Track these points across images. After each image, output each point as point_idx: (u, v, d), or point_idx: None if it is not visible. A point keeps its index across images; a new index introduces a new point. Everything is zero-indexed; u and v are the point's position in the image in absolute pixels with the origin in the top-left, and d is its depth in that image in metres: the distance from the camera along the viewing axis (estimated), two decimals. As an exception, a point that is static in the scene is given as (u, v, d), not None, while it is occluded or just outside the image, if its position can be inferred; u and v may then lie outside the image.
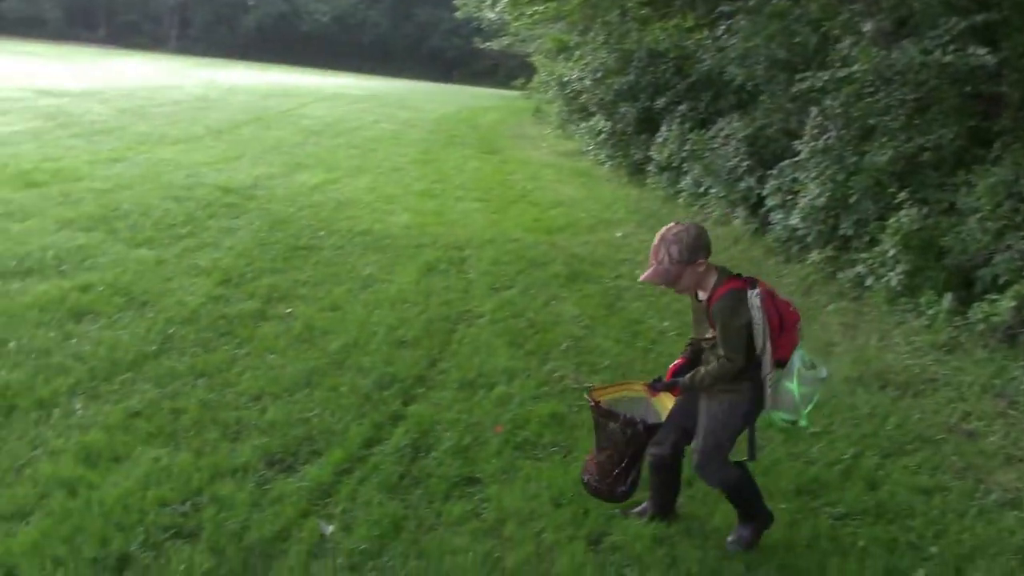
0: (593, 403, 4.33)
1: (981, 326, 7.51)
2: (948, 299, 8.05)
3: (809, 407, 4.17)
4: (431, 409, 5.77)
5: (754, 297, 3.97)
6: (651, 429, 4.25)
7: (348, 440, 5.21)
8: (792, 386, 4.13)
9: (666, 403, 4.39)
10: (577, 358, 7.10)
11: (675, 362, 4.45)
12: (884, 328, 8.21)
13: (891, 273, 8.64)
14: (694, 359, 4.36)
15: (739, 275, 4.11)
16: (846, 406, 6.39)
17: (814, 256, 9.98)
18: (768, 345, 3.99)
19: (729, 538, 4.40)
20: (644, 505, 4.68)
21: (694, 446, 4.28)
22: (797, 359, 4.09)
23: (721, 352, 4.04)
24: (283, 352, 6.62)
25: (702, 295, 4.13)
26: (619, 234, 12.10)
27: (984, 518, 4.90)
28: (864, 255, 9.16)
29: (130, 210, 10.39)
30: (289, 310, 7.60)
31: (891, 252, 8.68)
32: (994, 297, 7.57)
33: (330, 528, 4.29)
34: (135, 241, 9.17)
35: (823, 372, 4.09)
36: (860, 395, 6.63)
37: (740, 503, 4.39)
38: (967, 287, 8.20)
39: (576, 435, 5.56)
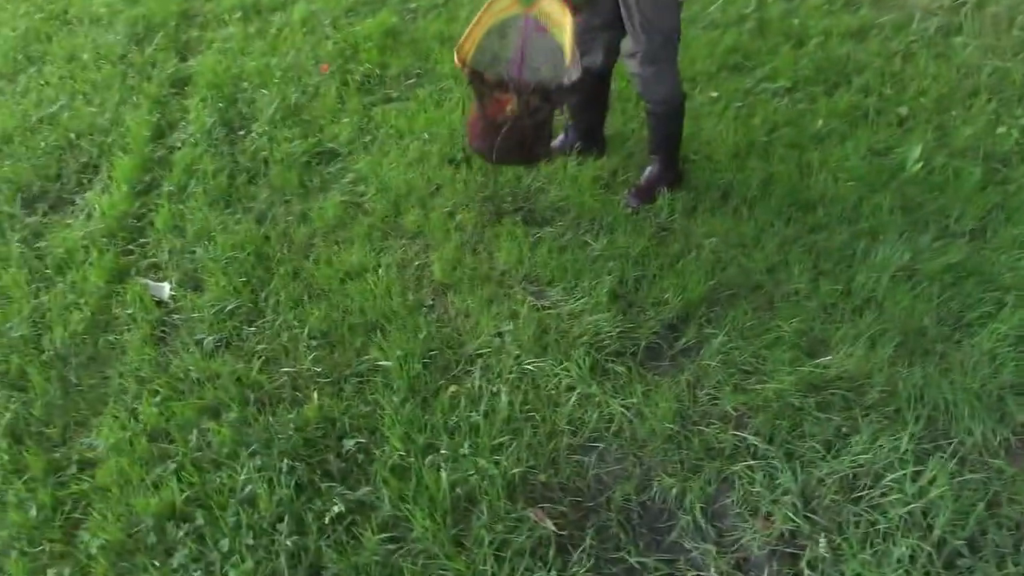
0: (465, 69, 2.84)
1: None
2: None
3: None
4: (220, 60, 4.17)
5: None
6: (557, 93, 2.84)
7: (132, 134, 3.64)
8: None
9: (552, 11, 2.91)
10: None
11: None
12: None
13: None
14: None
15: None
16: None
17: None
18: None
19: (631, 190, 3.29)
20: (562, 138, 3.53)
21: (631, 48, 3.05)
22: None
23: None
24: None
25: None
26: None
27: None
28: None
29: None
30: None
31: None
32: None
33: (167, 288, 2.94)
34: None
35: None
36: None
37: (670, 137, 3.25)
38: None
39: (428, 51, 4.19)
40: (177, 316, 2.83)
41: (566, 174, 3.35)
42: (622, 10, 2.99)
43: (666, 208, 3.19)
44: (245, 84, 3.98)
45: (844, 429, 2.45)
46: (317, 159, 3.54)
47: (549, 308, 2.82)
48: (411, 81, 4.00)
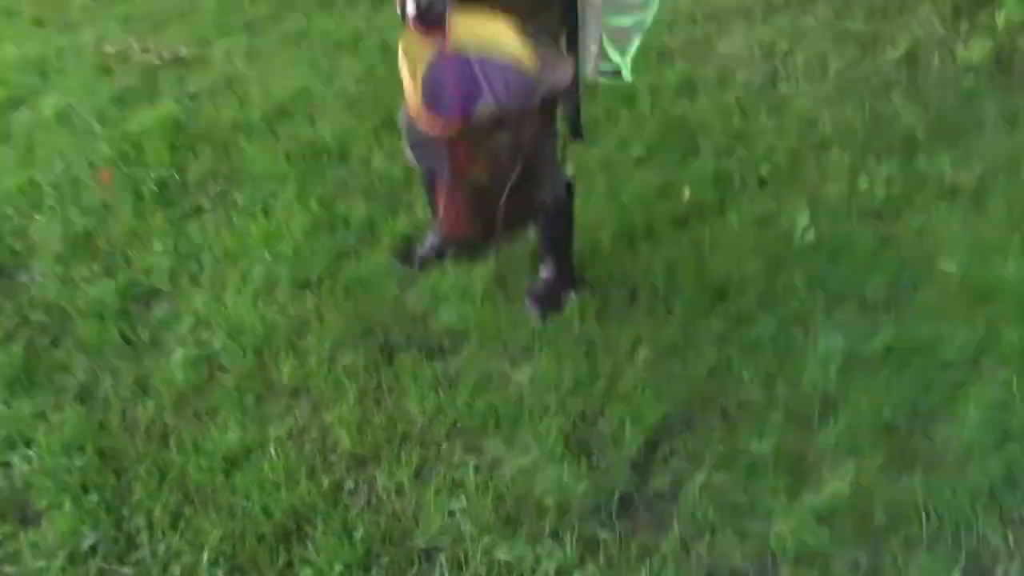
0: (444, 126, 2.12)
1: None
2: None
3: (633, 49, 2.64)
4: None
5: None
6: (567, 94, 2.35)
7: None
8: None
9: (475, 30, 2.18)
10: (112, 9, 4.63)
11: None
12: None
13: None
14: None
15: None
16: None
17: None
18: None
19: (530, 298, 2.84)
20: (429, 240, 3.04)
21: None
22: None
23: None
24: None
25: None
26: None
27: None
28: None
29: None
30: None
31: None
32: None
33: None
34: None
35: None
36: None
37: (563, 235, 2.88)
38: None
39: (228, 145, 3.55)
40: (12, 568, 2.06)
41: (450, 288, 2.87)
42: None
43: (576, 315, 2.80)
44: (8, 209, 3.15)
45: (862, 563, 2.16)
46: (135, 303, 2.82)
47: (494, 468, 2.33)
48: (220, 187, 3.34)
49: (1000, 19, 4.16)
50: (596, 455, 2.38)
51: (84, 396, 2.48)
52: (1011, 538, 2.23)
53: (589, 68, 2.60)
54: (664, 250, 3.08)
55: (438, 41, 2.14)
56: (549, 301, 2.84)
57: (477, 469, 2.30)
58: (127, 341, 2.66)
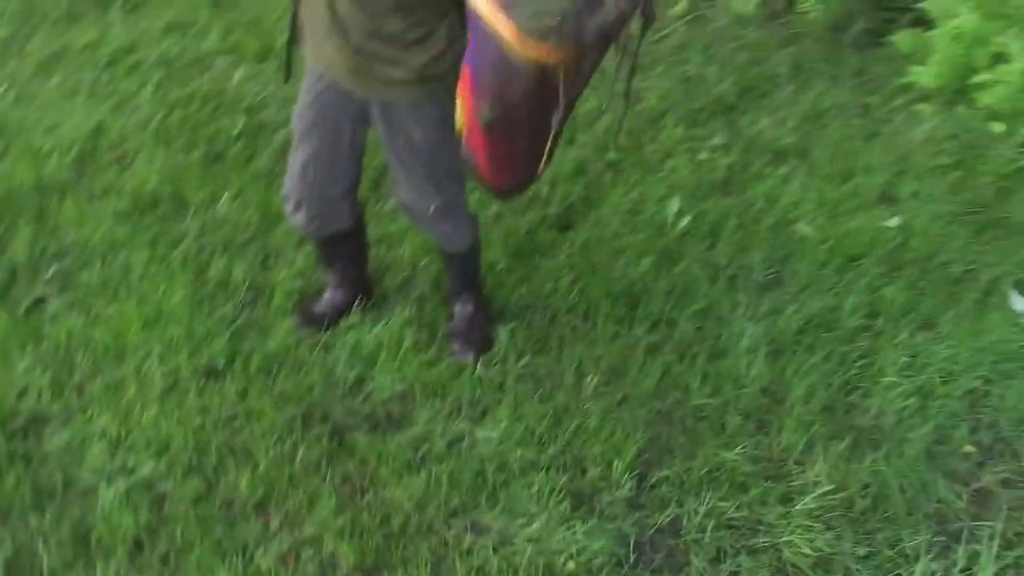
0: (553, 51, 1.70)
1: None
2: None
3: None
4: None
5: None
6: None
7: None
8: None
9: None
10: None
11: None
12: None
13: None
14: None
15: None
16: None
17: None
18: None
19: (457, 345, 2.74)
20: (328, 298, 2.82)
21: (416, 202, 2.50)
22: None
23: None
24: None
25: None
26: None
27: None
28: None
29: None
30: None
31: None
32: None
33: None
34: None
35: None
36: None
37: (475, 272, 2.84)
38: None
39: (57, 222, 3.08)
40: None
41: (374, 346, 2.70)
42: (397, 169, 2.46)
43: (512, 352, 2.73)
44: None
45: (860, 553, 2.33)
46: (23, 437, 2.40)
47: (506, 545, 2.26)
48: (58, 264, 2.89)
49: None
50: (597, 504, 2.37)
51: (21, 572, 2.10)
52: (964, 495, 2.49)
53: None
54: (560, 261, 3.06)
55: None
56: (478, 341, 2.75)
57: (494, 550, 2.22)
58: (37, 491, 2.27)
